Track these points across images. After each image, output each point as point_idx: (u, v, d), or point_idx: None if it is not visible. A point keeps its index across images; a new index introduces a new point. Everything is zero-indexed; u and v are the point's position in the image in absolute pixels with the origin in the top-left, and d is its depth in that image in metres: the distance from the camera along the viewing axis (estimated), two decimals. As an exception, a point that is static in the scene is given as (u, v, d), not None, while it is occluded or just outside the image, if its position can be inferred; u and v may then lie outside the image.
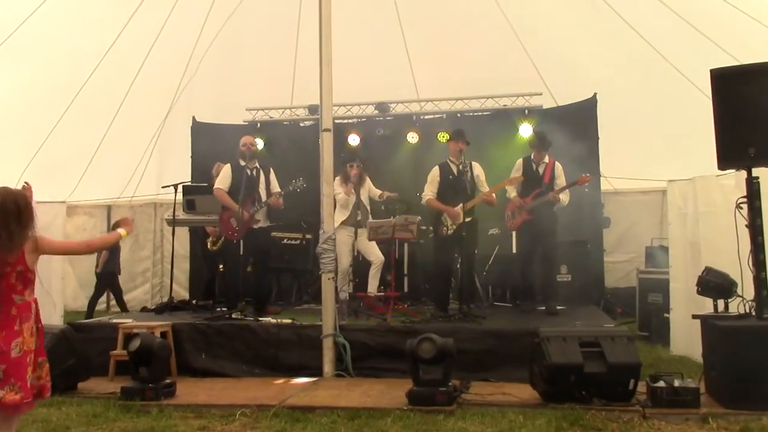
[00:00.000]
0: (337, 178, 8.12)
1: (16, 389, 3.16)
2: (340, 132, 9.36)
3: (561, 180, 7.85)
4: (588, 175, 7.87)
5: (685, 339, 7.28)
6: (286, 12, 9.99)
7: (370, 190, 8.48)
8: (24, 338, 3.25)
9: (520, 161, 8.10)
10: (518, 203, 7.89)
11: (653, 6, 8.28)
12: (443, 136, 9.20)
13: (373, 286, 8.11)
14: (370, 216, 8.26)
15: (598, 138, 9.20)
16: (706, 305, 6.11)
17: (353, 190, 8.22)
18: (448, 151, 7.88)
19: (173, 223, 8.88)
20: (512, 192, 7.97)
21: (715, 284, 5.65)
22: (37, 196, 8.99)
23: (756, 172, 5.36)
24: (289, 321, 7.00)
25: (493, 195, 7.61)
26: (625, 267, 10.30)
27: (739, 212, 5.38)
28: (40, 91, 9.53)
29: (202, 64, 10.46)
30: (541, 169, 7.92)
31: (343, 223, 8.10)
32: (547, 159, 7.94)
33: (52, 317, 8.63)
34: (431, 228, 8.01)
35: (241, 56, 10.52)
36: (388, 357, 6.38)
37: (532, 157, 8.03)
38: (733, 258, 5.72)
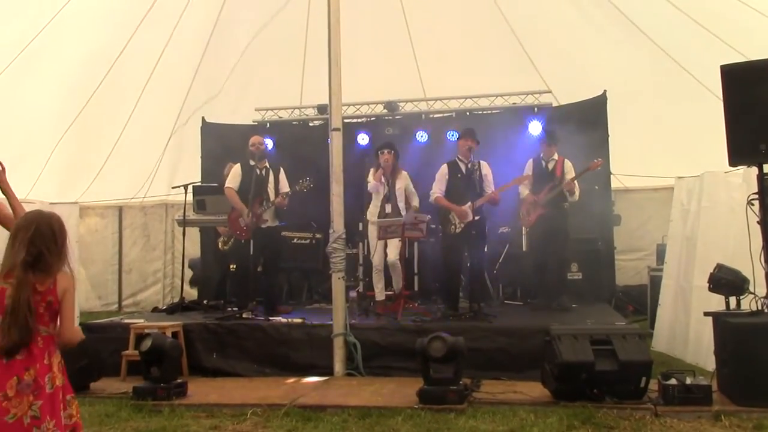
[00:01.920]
0: (372, 168, 8.10)
1: (52, 429, 3.00)
2: (349, 131, 9.36)
3: (570, 176, 7.93)
4: (600, 159, 7.97)
5: (668, 337, 7.29)
6: (295, 12, 10.00)
7: (407, 186, 8.09)
8: (54, 373, 3.07)
9: (529, 162, 8.20)
10: (532, 200, 7.97)
11: (660, 4, 8.23)
12: (453, 135, 9.18)
13: (396, 286, 7.86)
14: (402, 211, 7.89)
15: (608, 135, 9.15)
16: (696, 304, 6.14)
17: (383, 180, 7.94)
18: (457, 149, 7.88)
19: (184, 223, 8.92)
20: (524, 191, 8.06)
21: (726, 281, 5.61)
22: (50, 197, 9.17)
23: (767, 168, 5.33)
24: (299, 320, 7.02)
25: (498, 195, 7.61)
26: (636, 265, 10.24)
27: (751, 209, 5.36)
28: (53, 93, 9.58)
29: (211, 65, 10.49)
30: (551, 166, 8.04)
31: (373, 216, 7.95)
32: (556, 156, 8.03)
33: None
34: (440, 226, 8.00)
35: (251, 56, 10.55)
36: (399, 356, 6.39)
37: (541, 155, 8.13)
38: (728, 253, 5.80)
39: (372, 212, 8.03)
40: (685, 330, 6.83)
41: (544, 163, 8.08)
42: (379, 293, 7.89)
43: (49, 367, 3.06)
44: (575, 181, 7.84)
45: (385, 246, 7.81)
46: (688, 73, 8.72)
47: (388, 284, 8.01)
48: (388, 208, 7.97)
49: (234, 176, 7.96)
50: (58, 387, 3.08)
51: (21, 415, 2.95)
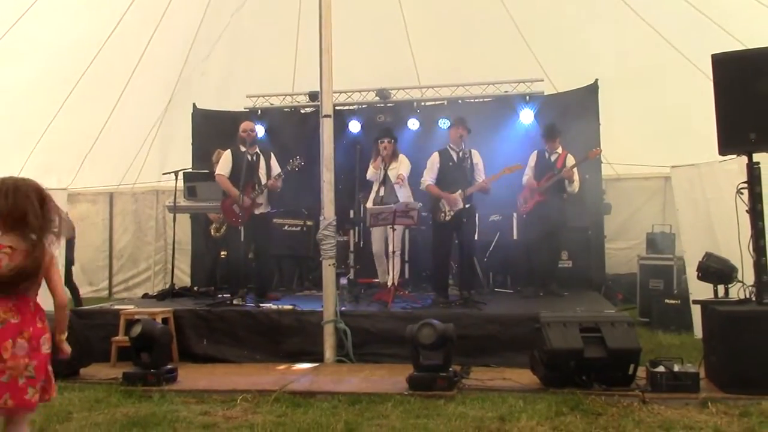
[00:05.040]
0: (372, 158, 8.19)
1: (45, 387, 3.18)
2: (340, 118, 9.34)
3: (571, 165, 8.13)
4: (598, 148, 8.29)
5: None
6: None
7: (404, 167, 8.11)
8: (47, 336, 3.25)
9: (534, 154, 8.39)
10: (532, 185, 8.16)
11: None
12: (444, 123, 9.17)
13: (390, 275, 7.78)
14: (398, 196, 7.94)
15: (599, 124, 9.16)
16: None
17: (381, 167, 8.08)
18: (449, 137, 7.88)
19: (174, 210, 8.89)
20: (526, 176, 8.25)
21: (715, 269, 5.67)
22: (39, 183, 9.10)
23: (757, 157, 5.35)
24: (290, 307, 7.03)
25: (489, 184, 7.62)
26: (627, 253, 10.28)
27: (740, 197, 5.38)
28: (41, 78, 9.49)
29: (203, 51, 10.42)
30: (553, 158, 8.25)
31: (370, 203, 8.01)
32: (560, 150, 8.26)
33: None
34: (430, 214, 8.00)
35: (243, 42, 10.48)
36: (389, 342, 6.40)
37: (545, 148, 8.33)
38: (747, 240, 5.72)
39: (370, 198, 8.11)
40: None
41: (547, 155, 8.30)
42: (382, 276, 7.89)
43: (44, 330, 3.22)
44: (575, 170, 8.03)
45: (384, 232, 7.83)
46: (685, 58, 8.68)
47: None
48: (382, 191, 8.01)
49: (225, 162, 7.91)
50: (49, 348, 3.25)
51: (16, 375, 3.08)
